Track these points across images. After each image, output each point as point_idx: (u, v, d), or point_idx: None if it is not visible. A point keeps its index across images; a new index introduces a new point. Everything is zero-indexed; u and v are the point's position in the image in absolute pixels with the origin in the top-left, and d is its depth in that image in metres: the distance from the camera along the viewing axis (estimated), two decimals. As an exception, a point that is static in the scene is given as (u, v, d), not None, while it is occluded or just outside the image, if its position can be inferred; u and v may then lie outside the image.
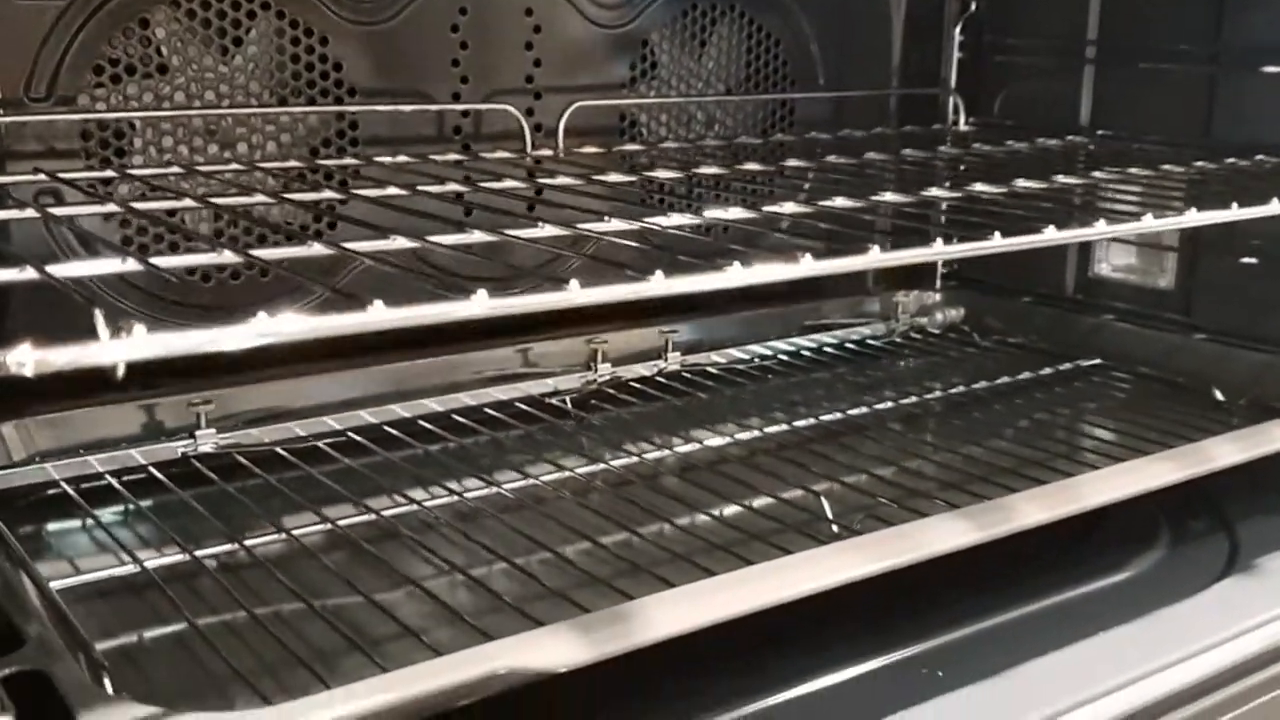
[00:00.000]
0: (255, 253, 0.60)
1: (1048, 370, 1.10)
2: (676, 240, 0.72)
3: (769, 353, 1.14)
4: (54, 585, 0.65)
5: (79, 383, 0.85)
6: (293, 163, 0.95)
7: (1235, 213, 0.77)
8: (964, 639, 0.77)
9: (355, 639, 0.60)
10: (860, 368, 1.14)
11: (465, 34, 1.06)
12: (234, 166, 0.92)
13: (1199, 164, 1.00)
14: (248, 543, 0.73)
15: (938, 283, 1.30)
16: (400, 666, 0.51)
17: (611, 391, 1.02)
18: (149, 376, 0.90)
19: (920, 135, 1.25)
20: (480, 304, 0.46)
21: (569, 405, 0.99)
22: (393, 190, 0.83)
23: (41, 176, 0.85)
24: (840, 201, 0.79)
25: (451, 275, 0.84)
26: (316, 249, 0.58)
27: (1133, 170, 0.97)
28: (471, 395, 0.98)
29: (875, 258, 0.61)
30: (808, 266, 0.58)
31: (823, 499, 0.79)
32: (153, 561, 0.72)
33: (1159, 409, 1.04)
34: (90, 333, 0.43)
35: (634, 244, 0.69)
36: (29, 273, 0.53)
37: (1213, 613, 0.79)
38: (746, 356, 1.13)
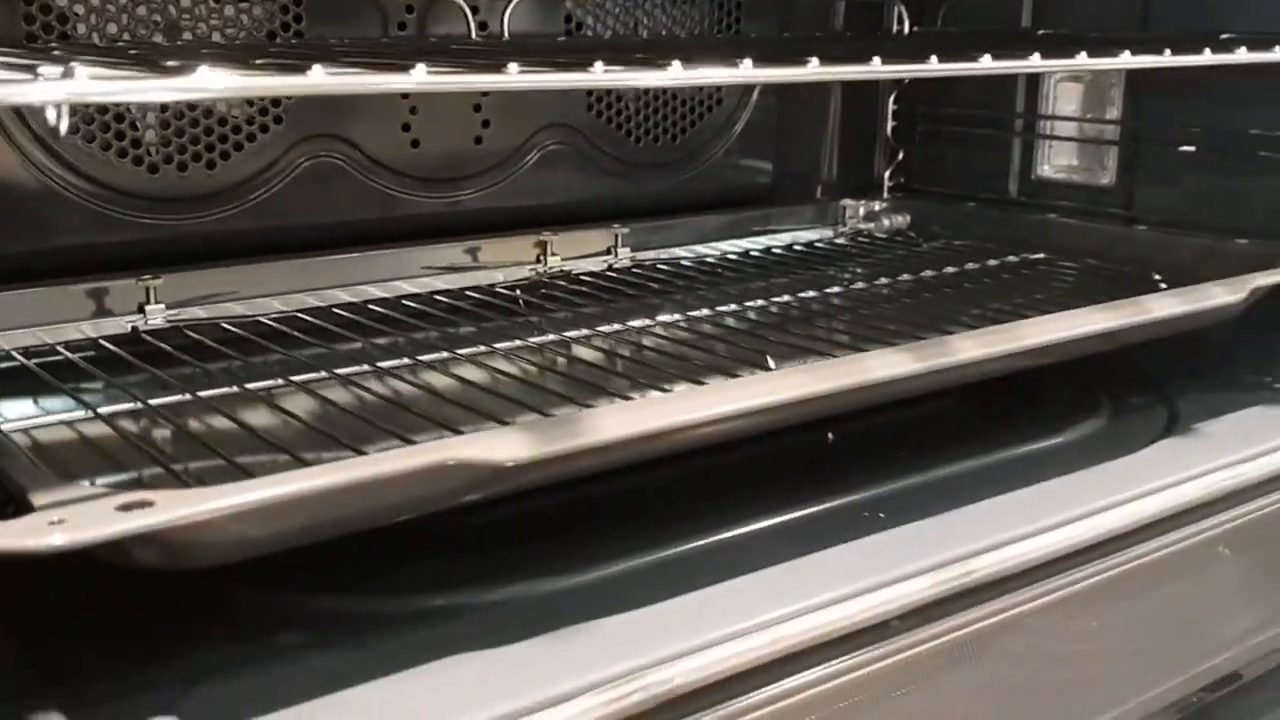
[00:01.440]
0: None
1: (993, 262, 1.12)
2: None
3: (718, 254, 1.15)
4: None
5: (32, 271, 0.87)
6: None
7: (1169, 59, 0.79)
8: (908, 488, 0.79)
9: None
10: (809, 265, 1.15)
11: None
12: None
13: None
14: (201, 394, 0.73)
15: (884, 192, 1.32)
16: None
17: (562, 283, 1.02)
18: (103, 267, 0.90)
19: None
20: (418, 77, 0.46)
21: (518, 294, 0.99)
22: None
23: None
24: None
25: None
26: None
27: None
28: (417, 285, 0.98)
29: (814, 70, 0.62)
30: (746, 72, 0.58)
31: (769, 358, 0.80)
32: (105, 408, 0.72)
33: (1102, 292, 1.06)
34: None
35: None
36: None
37: (1150, 466, 0.81)
38: (696, 257, 1.14)
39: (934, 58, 0.67)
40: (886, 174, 1.34)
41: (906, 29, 1.29)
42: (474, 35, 1.03)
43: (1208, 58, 0.82)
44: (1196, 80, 1.05)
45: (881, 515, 0.75)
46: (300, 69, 0.44)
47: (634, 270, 1.08)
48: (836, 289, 1.03)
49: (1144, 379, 1.00)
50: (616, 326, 0.92)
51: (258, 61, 0.48)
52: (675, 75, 0.56)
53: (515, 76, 0.49)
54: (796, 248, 1.20)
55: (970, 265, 1.11)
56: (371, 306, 0.94)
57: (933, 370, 0.70)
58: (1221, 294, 0.87)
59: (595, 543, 0.65)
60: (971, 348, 0.72)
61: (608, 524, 0.67)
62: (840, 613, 0.62)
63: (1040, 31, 1.20)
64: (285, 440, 0.64)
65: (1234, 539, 0.83)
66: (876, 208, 1.27)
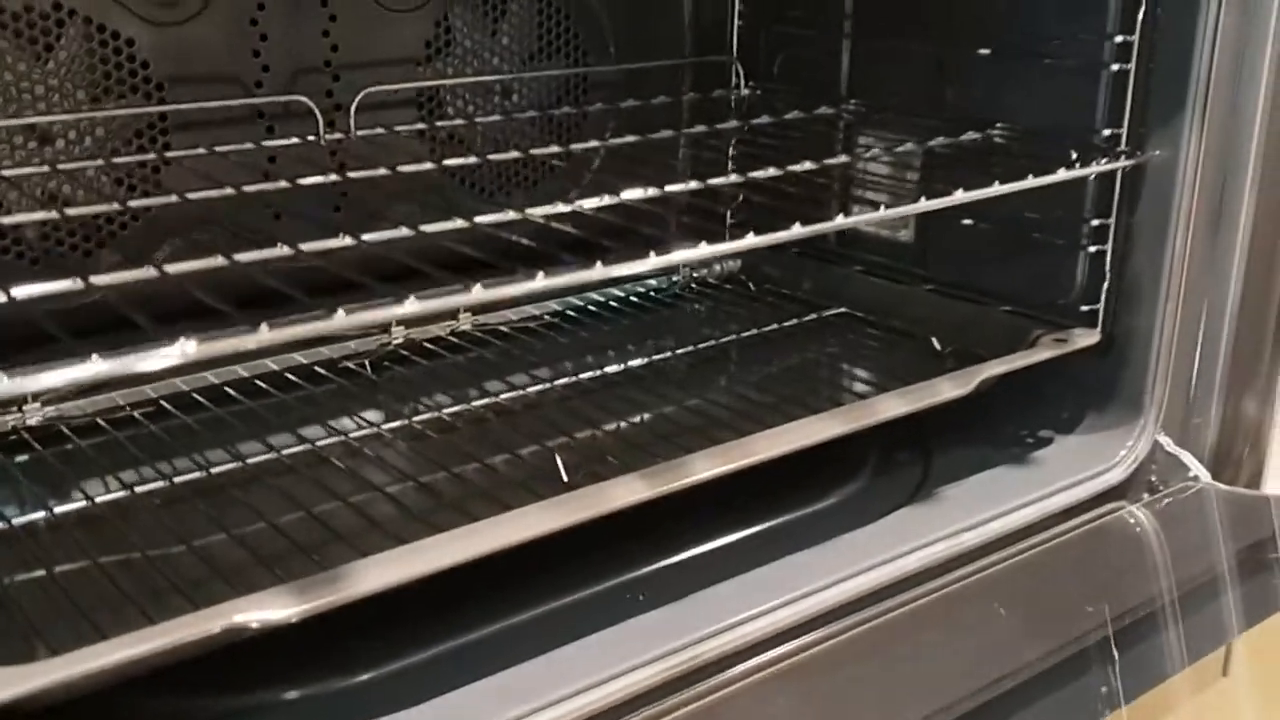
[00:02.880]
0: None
1: (792, 322, 1.26)
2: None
3: (558, 308, 1.28)
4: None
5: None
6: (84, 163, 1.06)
7: (959, 197, 0.97)
8: (673, 566, 0.94)
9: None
10: (639, 321, 1.28)
11: (264, 26, 1.16)
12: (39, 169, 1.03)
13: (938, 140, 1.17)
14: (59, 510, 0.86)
15: (726, 234, 1.45)
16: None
17: (404, 353, 1.16)
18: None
19: (703, 105, 1.38)
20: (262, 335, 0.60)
21: (367, 368, 1.13)
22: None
23: None
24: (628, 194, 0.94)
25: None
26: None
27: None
28: (274, 360, 1.11)
29: (652, 262, 0.77)
30: (600, 272, 0.74)
31: (557, 457, 0.94)
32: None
33: (883, 356, 1.21)
34: None
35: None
36: None
37: (872, 543, 0.96)
38: (538, 313, 1.27)
39: (751, 234, 0.87)
40: (728, 212, 1.47)
41: (743, 85, 1.41)
42: (321, 126, 1.15)
43: (995, 189, 1.00)
44: (982, 159, 1.18)
45: (641, 597, 0.90)
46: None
47: (474, 335, 1.21)
48: (640, 361, 1.17)
49: (912, 431, 1.14)
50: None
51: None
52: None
53: (340, 319, 0.63)
54: (633, 299, 1.33)
55: (772, 326, 1.26)
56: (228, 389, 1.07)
57: (670, 491, 0.84)
58: (950, 389, 1.01)
59: (367, 644, 0.79)
60: (707, 466, 0.87)
61: (379, 625, 0.81)
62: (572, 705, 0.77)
63: (853, 103, 1.33)
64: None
65: (954, 602, 0.99)
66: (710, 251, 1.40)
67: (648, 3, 1.42)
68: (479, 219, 0.86)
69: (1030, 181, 1.02)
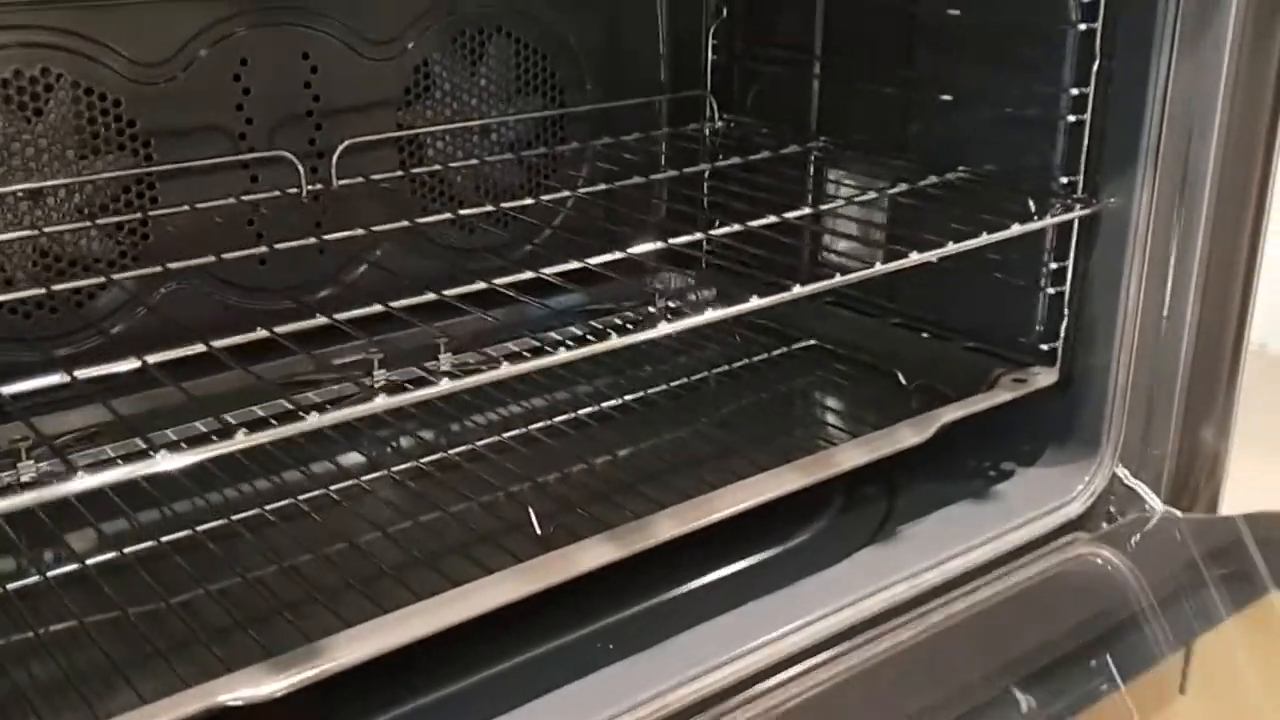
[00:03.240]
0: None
1: (763, 356, 1.31)
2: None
3: (536, 343, 1.31)
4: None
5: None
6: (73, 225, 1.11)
7: (915, 259, 1.03)
8: (642, 613, 0.99)
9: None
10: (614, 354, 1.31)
11: (247, 80, 1.20)
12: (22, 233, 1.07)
13: (901, 185, 1.21)
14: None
15: (704, 262, 1.49)
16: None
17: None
18: None
19: (677, 141, 1.42)
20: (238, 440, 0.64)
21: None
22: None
23: None
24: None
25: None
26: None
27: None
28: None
29: (662, 329, 0.87)
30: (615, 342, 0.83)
31: (530, 511, 0.98)
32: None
33: (851, 391, 1.25)
34: None
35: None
36: None
37: (837, 586, 1.00)
38: (516, 349, 1.30)
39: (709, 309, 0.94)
40: (704, 242, 1.50)
41: (717, 118, 1.45)
42: (304, 179, 1.18)
43: (950, 248, 1.05)
44: (943, 208, 1.22)
45: (611, 647, 0.94)
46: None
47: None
48: (613, 402, 1.21)
49: (878, 464, 1.17)
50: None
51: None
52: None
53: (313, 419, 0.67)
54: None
55: (742, 361, 1.30)
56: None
57: (634, 553, 0.88)
58: (910, 436, 1.06)
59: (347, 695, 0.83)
60: (672, 526, 0.91)
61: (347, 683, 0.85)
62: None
63: (822, 139, 1.36)
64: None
65: (916, 643, 1.03)
66: (688, 283, 1.43)
67: (623, 40, 1.45)
68: (446, 292, 0.90)
69: (984, 239, 1.06)
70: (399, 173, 1.27)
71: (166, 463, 0.68)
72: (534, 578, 0.84)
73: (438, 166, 1.30)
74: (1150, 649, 1.07)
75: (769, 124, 1.41)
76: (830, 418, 1.23)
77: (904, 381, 1.25)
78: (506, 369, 0.84)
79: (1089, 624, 1.07)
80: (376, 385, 0.79)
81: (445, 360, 0.83)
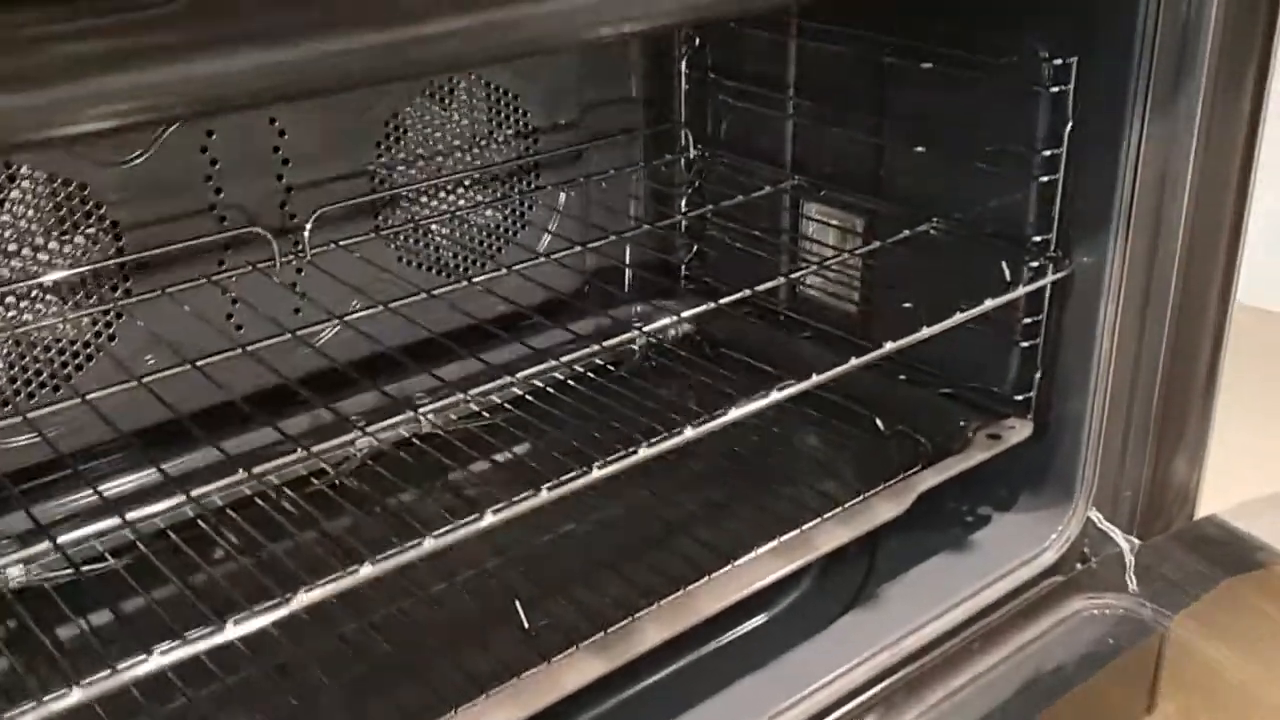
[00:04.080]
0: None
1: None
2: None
3: (519, 391, 1.32)
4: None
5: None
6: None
7: (888, 348, 1.07)
8: (630, 699, 1.01)
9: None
10: (596, 404, 1.31)
11: (214, 152, 1.18)
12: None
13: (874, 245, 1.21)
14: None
15: (682, 286, 1.49)
16: None
17: (369, 463, 1.20)
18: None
19: (654, 175, 1.42)
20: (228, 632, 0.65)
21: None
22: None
23: None
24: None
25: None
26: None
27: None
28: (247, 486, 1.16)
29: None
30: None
31: (517, 604, 1.00)
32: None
33: (831, 439, 1.27)
34: None
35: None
36: None
37: (817, 659, 1.03)
38: (500, 400, 1.30)
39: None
40: (683, 268, 1.50)
41: (691, 149, 1.44)
42: (278, 253, 1.18)
43: (923, 333, 1.08)
44: (921, 249, 1.23)
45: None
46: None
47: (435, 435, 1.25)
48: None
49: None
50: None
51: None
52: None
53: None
54: (589, 375, 1.37)
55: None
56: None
57: (618, 667, 0.91)
58: (888, 510, 1.08)
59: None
60: (657, 633, 0.93)
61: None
62: None
63: (796, 177, 1.36)
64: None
65: (894, 709, 1.06)
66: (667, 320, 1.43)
67: (595, 75, 1.43)
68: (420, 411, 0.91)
69: (958, 318, 1.07)
70: (371, 235, 1.27)
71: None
72: (521, 704, 0.86)
73: (410, 225, 1.29)
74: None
75: (743, 158, 1.41)
76: (808, 470, 1.24)
77: (882, 427, 1.26)
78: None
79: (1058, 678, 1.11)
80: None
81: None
